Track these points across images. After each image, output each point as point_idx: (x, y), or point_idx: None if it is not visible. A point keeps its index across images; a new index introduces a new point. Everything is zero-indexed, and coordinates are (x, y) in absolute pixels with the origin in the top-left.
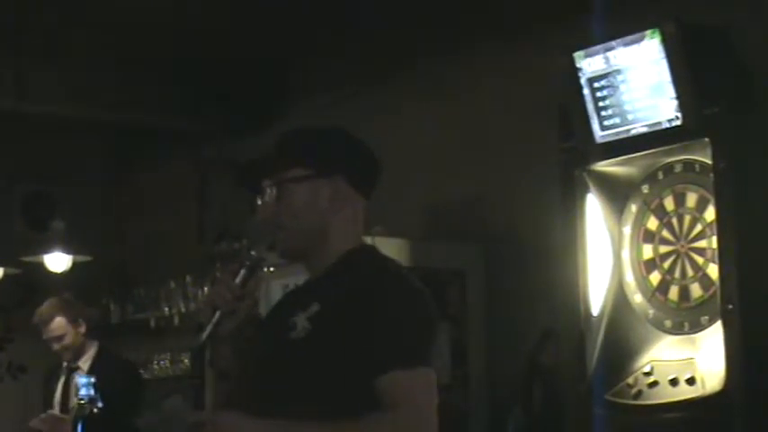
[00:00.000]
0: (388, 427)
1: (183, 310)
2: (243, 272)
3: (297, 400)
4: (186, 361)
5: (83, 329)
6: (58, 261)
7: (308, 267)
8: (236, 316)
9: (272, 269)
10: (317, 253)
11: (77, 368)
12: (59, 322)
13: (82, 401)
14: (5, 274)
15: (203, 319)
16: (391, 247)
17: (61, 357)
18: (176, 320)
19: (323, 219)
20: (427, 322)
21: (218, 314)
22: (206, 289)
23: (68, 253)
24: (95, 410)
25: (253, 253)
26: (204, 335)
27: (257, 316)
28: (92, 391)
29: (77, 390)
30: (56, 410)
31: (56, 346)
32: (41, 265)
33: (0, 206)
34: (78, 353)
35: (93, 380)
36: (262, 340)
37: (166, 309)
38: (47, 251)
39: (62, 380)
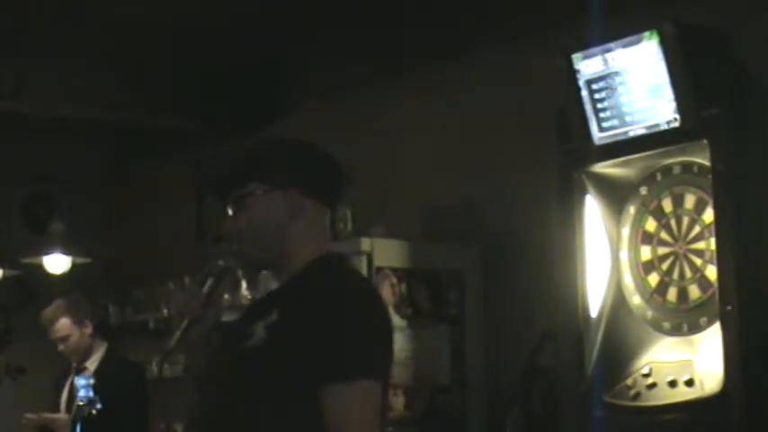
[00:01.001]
0: None
1: None
2: (210, 281)
3: (248, 406)
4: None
5: (89, 330)
6: (57, 262)
7: (274, 276)
8: (203, 324)
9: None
10: (281, 263)
11: (84, 369)
12: (64, 323)
13: (81, 403)
14: (5, 276)
15: (173, 327)
16: (390, 248)
17: (67, 358)
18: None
19: (281, 230)
20: (376, 335)
21: (185, 322)
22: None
23: (68, 254)
24: (94, 412)
25: (220, 263)
26: (172, 342)
27: (222, 324)
28: (90, 393)
29: (76, 391)
30: (62, 411)
31: (61, 347)
32: (41, 267)
33: (1, 207)
34: (85, 354)
35: (92, 381)
36: (223, 347)
37: (165, 310)
38: (46, 252)
39: (69, 380)
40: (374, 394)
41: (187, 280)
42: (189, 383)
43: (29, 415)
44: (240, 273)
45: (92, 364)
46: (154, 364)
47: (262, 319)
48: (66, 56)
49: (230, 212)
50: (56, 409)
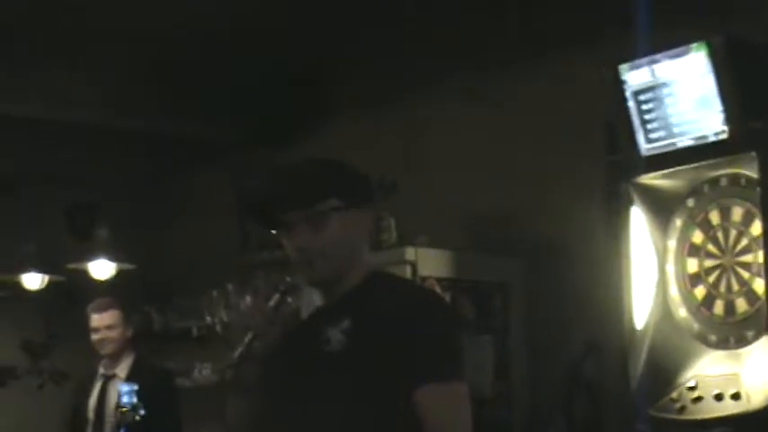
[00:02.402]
0: None
1: (224, 318)
2: (276, 296)
3: (333, 411)
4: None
5: (129, 334)
6: (101, 269)
7: (326, 291)
8: (267, 340)
9: None
10: (341, 279)
11: (114, 376)
12: (116, 313)
13: (124, 409)
14: (50, 282)
15: (232, 338)
16: (434, 259)
17: (101, 350)
18: (218, 329)
19: (354, 247)
20: (457, 339)
21: (249, 335)
22: (242, 303)
23: (112, 261)
24: (137, 418)
25: (288, 279)
26: (236, 355)
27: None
28: (134, 399)
29: (119, 397)
30: (90, 419)
31: (102, 335)
32: (85, 273)
33: (45, 214)
34: (116, 357)
35: (135, 387)
36: (290, 354)
37: (208, 317)
38: (91, 259)
39: (97, 387)
40: (466, 392)
41: (230, 288)
42: (233, 392)
43: None
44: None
45: (122, 371)
46: (196, 371)
47: (332, 326)
48: (109, 65)
49: (300, 229)
50: (77, 417)
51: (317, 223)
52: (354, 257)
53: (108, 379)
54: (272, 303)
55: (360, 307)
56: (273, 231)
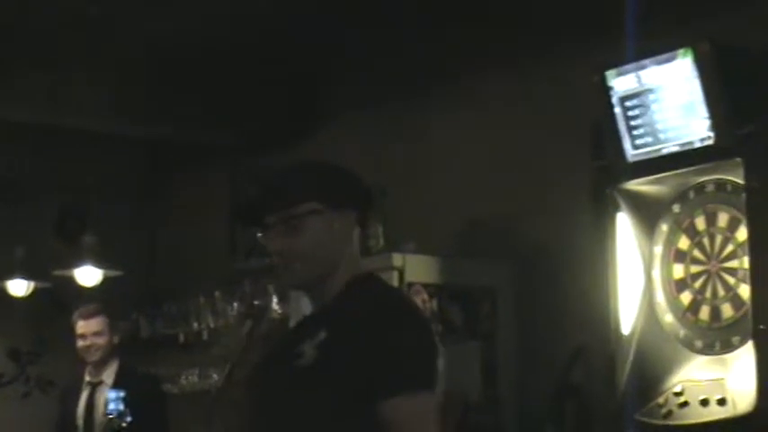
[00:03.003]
0: None
1: (211, 325)
2: (248, 322)
3: (302, 425)
4: (215, 376)
5: (116, 340)
6: (88, 275)
7: (312, 297)
8: (246, 365)
9: None
10: (324, 283)
11: (100, 383)
12: (103, 320)
13: (111, 416)
14: (36, 288)
15: (216, 371)
16: (422, 264)
17: (86, 358)
18: (205, 336)
19: (336, 251)
20: (428, 349)
21: (228, 366)
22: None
23: (99, 267)
24: (124, 425)
25: (256, 302)
26: (216, 393)
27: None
28: (121, 406)
29: (106, 404)
30: (80, 426)
31: (87, 342)
32: (72, 280)
33: (32, 220)
34: (102, 364)
35: (122, 394)
36: (268, 370)
37: (195, 324)
38: (78, 265)
39: (85, 394)
40: (433, 404)
41: (217, 294)
42: (219, 407)
43: None
44: (271, 287)
45: (108, 377)
46: (183, 377)
47: (309, 338)
48: (98, 70)
49: (276, 232)
50: (66, 424)
51: (295, 226)
52: (336, 261)
53: (95, 386)
54: (245, 330)
55: (336, 318)
56: (259, 234)
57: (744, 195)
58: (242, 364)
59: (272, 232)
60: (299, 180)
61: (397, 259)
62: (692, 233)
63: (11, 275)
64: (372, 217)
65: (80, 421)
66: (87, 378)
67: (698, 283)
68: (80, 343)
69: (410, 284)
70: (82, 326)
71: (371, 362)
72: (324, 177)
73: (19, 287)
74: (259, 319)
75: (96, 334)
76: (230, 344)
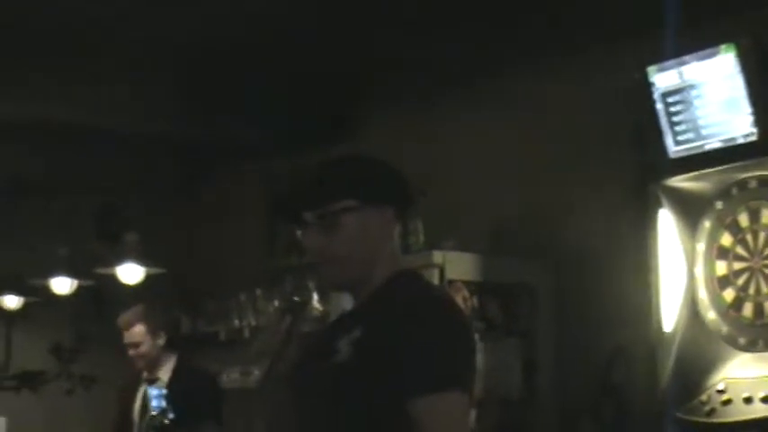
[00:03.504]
0: None
1: (252, 322)
2: (288, 318)
3: (337, 422)
4: (256, 372)
5: (161, 341)
6: (130, 273)
7: (353, 295)
8: (284, 361)
9: None
10: (363, 281)
11: (157, 379)
12: (139, 330)
13: (154, 413)
14: (79, 286)
15: (257, 368)
16: (462, 262)
17: (135, 365)
18: (246, 333)
19: (374, 248)
20: (465, 347)
21: (268, 362)
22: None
23: (141, 265)
24: (166, 422)
25: (296, 299)
26: (259, 382)
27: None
28: (163, 403)
29: (149, 401)
30: (135, 422)
31: (132, 352)
32: (114, 277)
33: (74, 218)
34: (154, 364)
35: (164, 391)
36: (305, 366)
37: (236, 321)
38: (120, 263)
39: (141, 391)
40: (465, 405)
41: (258, 292)
42: (259, 403)
43: None
44: (311, 284)
45: (164, 374)
46: (224, 375)
47: (345, 335)
48: (139, 70)
49: (314, 230)
50: (124, 421)
51: (331, 224)
52: (375, 259)
53: (151, 383)
54: (284, 326)
55: (372, 315)
56: (298, 232)
57: None
58: (281, 361)
59: (309, 230)
60: (334, 176)
61: (437, 257)
62: (735, 230)
63: (54, 273)
64: (412, 212)
65: (136, 417)
66: (145, 375)
67: (741, 280)
68: (128, 351)
69: (450, 282)
70: (125, 336)
71: (405, 358)
72: (360, 172)
73: (62, 285)
74: (298, 315)
75: (136, 344)
76: (270, 340)
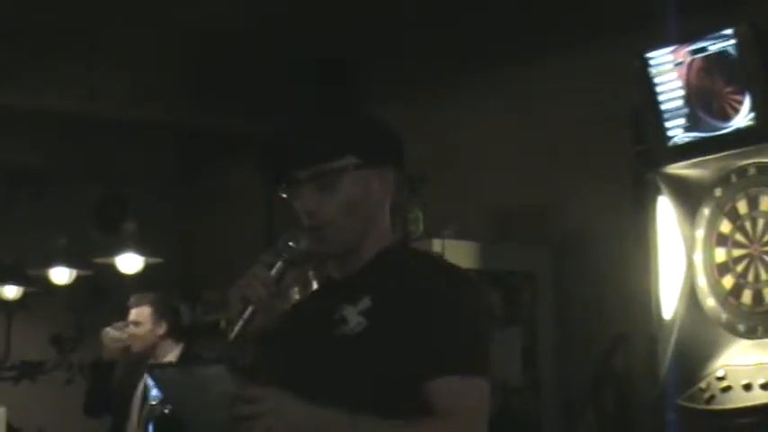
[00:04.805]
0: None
1: None
2: (279, 264)
3: (348, 396)
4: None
5: (161, 330)
6: (129, 263)
7: (341, 263)
8: (269, 314)
9: None
10: (357, 247)
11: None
12: (144, 311)
13: (153, 403)
14: (77, 276)
15: (232, 314)
16: (461, 250)
17: (131, 347)
18: None
19: (371, 214)
20: (487, 324)
21: (249, 310)
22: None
23: (140, 254)
24: (165, 411)
25: (291, 244)
26: (233, 333)
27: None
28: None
29: (148, 391)
30: (134, 411)
31: (131, 330)
32: (113, 267)
33: (72, 208)
34: (151, 351)
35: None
36: (297, 334)
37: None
38: (118, 253)
39: (142, 382)
40: (488, 390)
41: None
42: (234, 349)
43: (112, 332)
44: (311, 273)
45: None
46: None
47: (350, 304)
48: (137, 58)
49: (308, 189)
50: (123, 406)
51: (329, 184)
52: (372, 224)
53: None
54: (273, 272)
55: (377, 284)
56: (284, 195)
57: None
58: (267, 311)
59: (302, 189)
60: (333, 131)
61: (436, 245)
62: (734, 217)
63: (53, 263)
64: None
65: (136, 407)
66: (152, 360)
67: (740, 267)
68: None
69: None
70: (130, 314)
71: (430, 334)
72: (363, 129)
73: (61, 275)
74: (290, 264)
75: (136, 323)
76: (253, 287)
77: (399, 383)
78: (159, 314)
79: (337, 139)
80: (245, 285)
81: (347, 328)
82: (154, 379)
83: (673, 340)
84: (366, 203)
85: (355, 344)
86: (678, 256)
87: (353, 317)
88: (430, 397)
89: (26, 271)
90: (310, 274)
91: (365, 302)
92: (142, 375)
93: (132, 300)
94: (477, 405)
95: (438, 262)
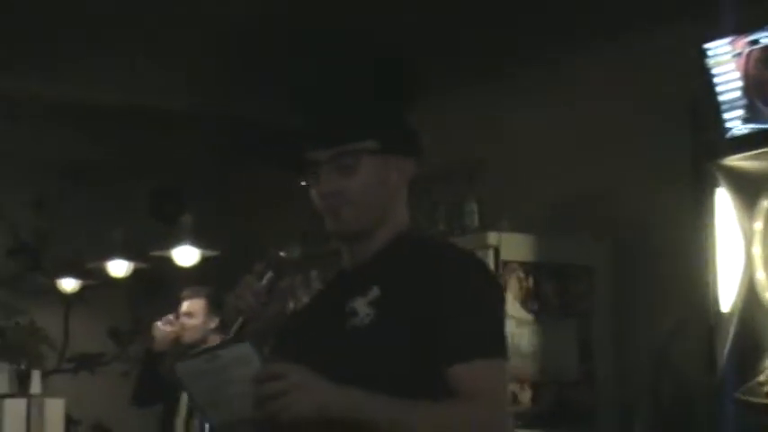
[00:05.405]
0: (468, 417)
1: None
2: (269, 274)
3: (371, 386)
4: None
5: (213, 325)
6: (186, 255)
7: (352, 250)
8: (260, 323)
9: None
10: (370, 235)
11: None
12: (199, 303)
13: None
14: (135, 269)
15: (227, 323)
16: (517, 242)
17: (181, 337)
18: None
19: (388, 199)
20: (502, 307)
21: (240, 320)
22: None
23: (196, 247)
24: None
25: (281, 253)
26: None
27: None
28: None
29: None
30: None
31: (183, 320)
32: (169, 260)
33: (129, 201)
34: (199, 343)
35: None
36: (308, 328)
37: (291, 304)
38: (175, 245)
39: None
40: (508, 372)
41: (314, 274)
42: None
43: (161, 325)
44: (314, 273)
45: None
46: None
47: (359, 295)
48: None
49: (325, 170)
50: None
51: (349, 165)
52: (387, 212)
53: None
54: (264, 282)
55: (387, 273)
56: (303, 182)
57: None
58: (258, 319)
59: (322, 171)
60: (358, 115)
61: (492, 238)
62: None
63: (111, 256)
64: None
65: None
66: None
67: None
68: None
69: (506, 263)
70: (183, 305)
71: (445, 320)
72: (384, 117)
73: (118, 268)
74: (280, 272)
75: (189, 314)
76: (246, 299)
77: (414, 371)
78: (212, 308)
79: (359, 123)
80: (236, 296)
81: (357, 319)
82: (176, 375)
83: (731, 333)
84: (383, 190)
85: (366, 335)
86: (737, 249)
87: (363, 308)
88: (454, 381)
89: (84, 264)
90: (313, 274)
91: (374, 292)
92: None
93: (186, 292)
94: (500, 386)
95: (449, 248)
